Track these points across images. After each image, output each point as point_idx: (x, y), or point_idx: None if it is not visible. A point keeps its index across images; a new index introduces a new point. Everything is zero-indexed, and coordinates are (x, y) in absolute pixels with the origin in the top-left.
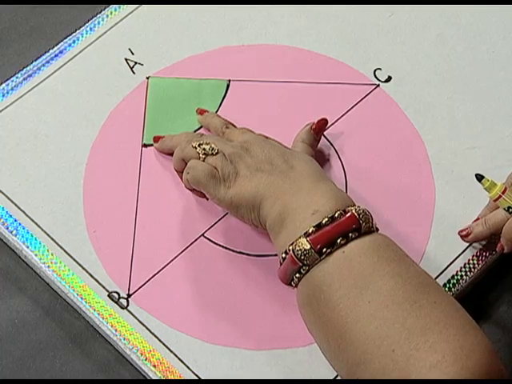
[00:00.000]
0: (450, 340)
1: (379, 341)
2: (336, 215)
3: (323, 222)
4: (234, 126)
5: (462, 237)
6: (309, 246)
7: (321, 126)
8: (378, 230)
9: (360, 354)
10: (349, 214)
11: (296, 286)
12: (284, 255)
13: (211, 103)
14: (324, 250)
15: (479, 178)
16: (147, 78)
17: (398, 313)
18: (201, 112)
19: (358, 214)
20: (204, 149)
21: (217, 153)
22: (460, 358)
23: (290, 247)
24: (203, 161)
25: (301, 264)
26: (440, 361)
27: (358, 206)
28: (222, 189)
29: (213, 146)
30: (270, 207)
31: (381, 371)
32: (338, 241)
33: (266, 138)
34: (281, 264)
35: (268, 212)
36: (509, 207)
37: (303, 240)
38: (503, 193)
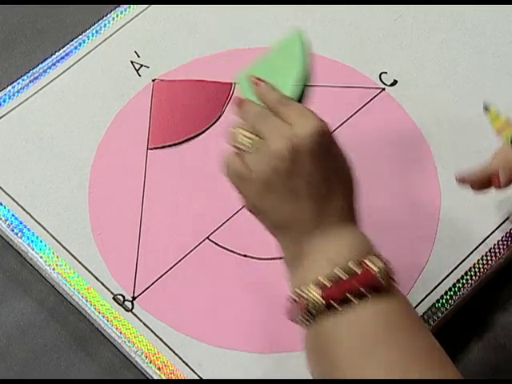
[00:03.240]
0: None
1: None
2: (353, 268)
3: (338, 274)
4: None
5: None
6: (319, 298)
7: None
8: (394, 280)
9: None
10: (366, 269)
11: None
12: (294, 296)
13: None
14: (335, 304)
15: (486, 107)
16: (153, 80)
17: None
18: (256, 82)
19: (377, 270)
20: (242, 143)
21: (257, 148)
22: None
23: (300, 292)
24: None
25: (309, 313)
26: None
27: (378, 258)
28: (252, 191)
29: (251, 142)
30: (290, 241)
31: None
32: (351, 297)
33: (328, 135)
34: (290, 301)
35: (285, 245)
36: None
37: (314, 289)
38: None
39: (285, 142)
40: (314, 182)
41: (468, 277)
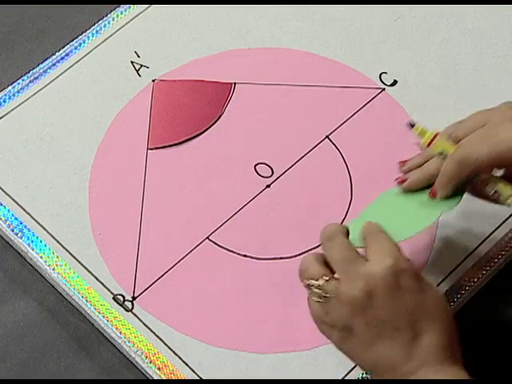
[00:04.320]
0: None
1: None
2: None
3: None
4: None
5: (398, 183)
6: None
7: None
8: None
9: None
10: None
11: None
12: None
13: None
14: None
15: (411, 125)
16: (153, 80)
17: None
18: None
19: None
20: (315, 292)
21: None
22: None
23: None
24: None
25: None
26: None
27: None
28: (334, 336)
29: (323, 291)
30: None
31: None
32: None
33: (405, 272)
34: None
35: None
36: (441, 152)
37: None
38: (434, 138)
39: (357, 283)
40: (394, 324)
41: (470, 277)
